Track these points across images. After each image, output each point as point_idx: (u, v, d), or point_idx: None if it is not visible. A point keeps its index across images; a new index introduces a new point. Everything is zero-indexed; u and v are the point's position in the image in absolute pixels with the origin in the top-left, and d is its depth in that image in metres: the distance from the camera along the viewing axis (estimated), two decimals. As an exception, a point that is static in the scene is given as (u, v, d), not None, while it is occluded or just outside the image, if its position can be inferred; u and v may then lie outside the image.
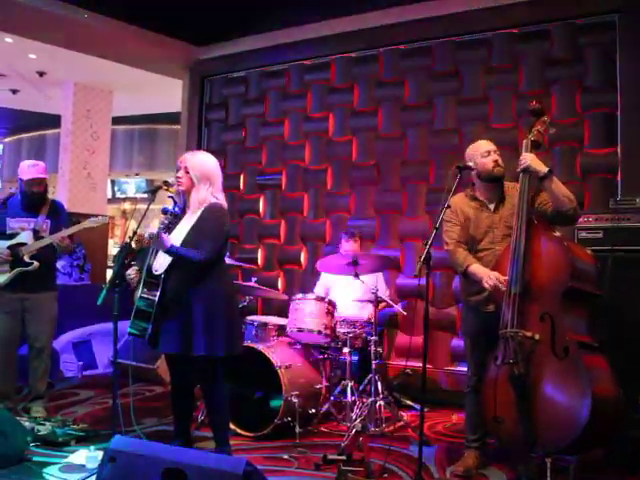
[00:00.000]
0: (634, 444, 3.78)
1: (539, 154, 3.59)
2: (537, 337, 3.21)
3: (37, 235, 4.66)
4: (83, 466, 3.72)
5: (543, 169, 3.45)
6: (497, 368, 3.34)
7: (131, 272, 3.77)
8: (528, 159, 3.48)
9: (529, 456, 3.64)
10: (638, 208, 4.33)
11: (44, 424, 4.30)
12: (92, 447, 3.83)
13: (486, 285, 3.47)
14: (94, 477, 2.77)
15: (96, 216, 4.83)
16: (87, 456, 3.75)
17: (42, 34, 7.33)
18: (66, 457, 3.87)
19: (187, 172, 3.75)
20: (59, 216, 4.86)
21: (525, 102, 4.14)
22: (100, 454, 2.86)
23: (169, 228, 3.74)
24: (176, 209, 3.83)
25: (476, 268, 3.61)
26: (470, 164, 3.76)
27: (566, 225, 3.78)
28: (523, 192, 3.47)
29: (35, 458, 3.86)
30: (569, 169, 5.42)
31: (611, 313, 4.03)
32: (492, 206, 3.77)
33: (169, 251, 3.61)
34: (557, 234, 3.43)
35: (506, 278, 3.40)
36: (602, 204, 5.02)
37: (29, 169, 4.71)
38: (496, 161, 3.73)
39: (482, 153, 3.76)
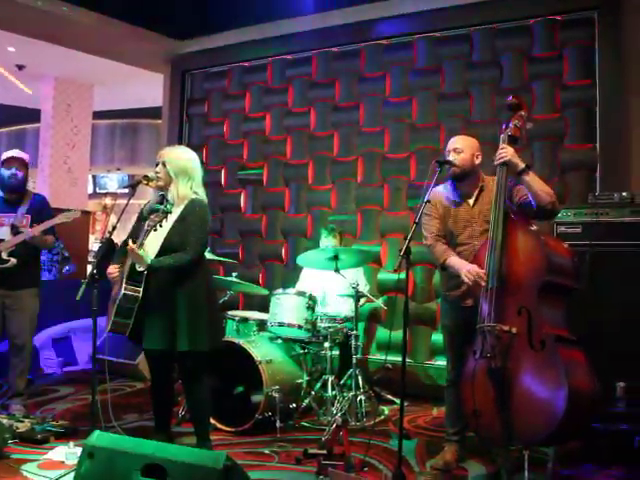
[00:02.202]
0: (610, 437, 3.82)
1: (518, 149, 3.61)
2: (514, 331, 3.23)
3: (16, 231, 4.57)
4: (62, 463, 3.70)
5: (520, 164, 3.48)
6: (475, 362, 3.36)
7: (111, 270, 3.72)
8: (509, 153, 3.49)
9: (508, 449, 3.68)
10: (616, 203, 4.37)
11: (23, 421, 4.27)
12: (71, 443, 3.80)
13: (465, 279, 3.49)
14: (73, 474, 2.76)
15: (69, 210, 4.72)
16: (66, 453, 3.74)
17: (21, 27, 7.26)
18: (45, 454, 3.85)
19: (165, 166, 3.73)
20: (41, 211, 4.76)
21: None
22: (79, 450, 2.83)
23: (161, 226, 3.70)
24: (167, 207, 3.71)
25: (454, 260, 3.63)
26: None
27: (546, 220, 3.81)
28: (500, 186, 3.49)
29: (14, 455, 3.83)
30: (549, 165, 5.46)
31: (590, 307, 4.07)
32: (471, 200, 3.79)
33: (150, 267, 3.58)
34: (534, 228, 3.44)
35: (484, 271, 3.42)
36: (581, 199, 5.06)
37: (10, 153, 4.71)
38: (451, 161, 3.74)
39: (446, 151, 3.80)
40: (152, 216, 3.70)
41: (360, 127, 6.44)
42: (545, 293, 3.25)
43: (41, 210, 4.77)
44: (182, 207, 3.72)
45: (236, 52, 7.24)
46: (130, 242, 3.58)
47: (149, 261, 3.55)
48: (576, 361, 3.16)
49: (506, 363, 3.22)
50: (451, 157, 3.74)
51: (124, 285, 3.60)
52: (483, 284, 3.39)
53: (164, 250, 3.65)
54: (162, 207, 3.72)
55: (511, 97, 3.67)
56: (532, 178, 3.48)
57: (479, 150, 3.81)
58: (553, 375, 3.05)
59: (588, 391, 3.11)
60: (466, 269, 3.50)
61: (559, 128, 5.49)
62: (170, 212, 3.66)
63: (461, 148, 3.75)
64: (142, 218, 3.82)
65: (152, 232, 3.64)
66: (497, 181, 3.52)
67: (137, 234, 3.72)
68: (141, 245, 3.58)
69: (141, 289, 3.62)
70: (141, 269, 3.61)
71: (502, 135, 3.60)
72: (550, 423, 3.02)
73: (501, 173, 3.51)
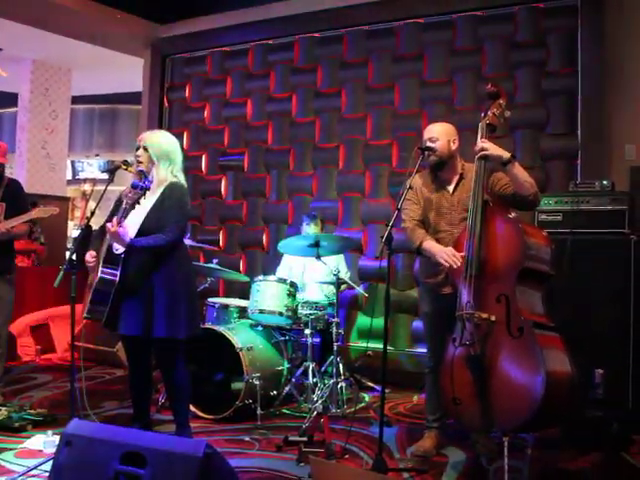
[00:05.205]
0: (590, 424, 3.85)
1: (497, 137, 3.59)
2: (493, 318, 3.22)
3: None
4: (40, 451, 3.66)
5: (505, 155, 3.44)
6: (454, 349, 3.36)
7: (89, 258, 3.64)
8: (488, 148, 3.46)
9: (487, 435, 3.70)
10: (597, 191, 4.40)
11: (0, 409, 4.22)
12: (49, 432, 3.77)
13: (441, 261, 3.46)
14: (51, 462, 2.72)
15: (45, 205, 4.61)
16: (44, 441, 3.69)
17: (-3, 9, 7.13)
18: (22, 442, 3.80)
19: (146, 150, 3.68)
20: (16, 199, 4.62)
21: (488, 85, 4.19)
22: (57, 439, 2.80)
23: (139, 203, 3.63)
24: (146, 183, 3.67)
25: (430, 244, 3.61)
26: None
27: (526, 210, 3.79)
28: (479, 176, 3.46)
29: (-10, 443, 3.79)
30: (530, 152, 5.47)
31: (570, 295, 4.09)
32: (451, 188, 3.78)
33: (130, 246, 3.52)
34: (512, 215, 3.43)
35: (462, 254, 3.39)
36: (562, 187, 5.08)
37: None
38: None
39: (422, 141, 3.78)
40: (130, 194, 3.62)
41: (342, 114, 6.41)
42: (523, 280, 3.25)
43: (16, 198, 4.63)
44: (161, 190, 3.67)
45: (217, 36, 7.18)
46: (108, 224, 3.52)
47: (127, 241, 3.50)
48: (554, 347, 3.17)
49: (485, 350, 3.22)
50: (428, 145, 3.72)
51: (101, 269, 3.54)
52: (459, 264, 3.37)
53: (142, 232, 3.60)
54: (140, 183, 3.65)
55: (490, 85, 3.65)
56: (517, 169, 3.46)
57: (455, 135, 3.78)
58: (531, 361, 3.06)
59: (566, 377, 3.12)
60: (442, 251, 3.49)
61: (541, 116, 5.50)
62: (148, 189, 3.60)
63: (436, 136, 3.72)
64: (120, 202, 3.76)
65: (131, 213, 3.59)
66: (475, 171, 3.48)
67: (115, 215, 3.64)
68: (119, 224, 3.50)
69: (118, 272, 3.56)
70: (119, 252, 3.56)
71: (480, 124, 3.58)
72: (528, 409, 3.02)
73: (480, 165, 3.48)
